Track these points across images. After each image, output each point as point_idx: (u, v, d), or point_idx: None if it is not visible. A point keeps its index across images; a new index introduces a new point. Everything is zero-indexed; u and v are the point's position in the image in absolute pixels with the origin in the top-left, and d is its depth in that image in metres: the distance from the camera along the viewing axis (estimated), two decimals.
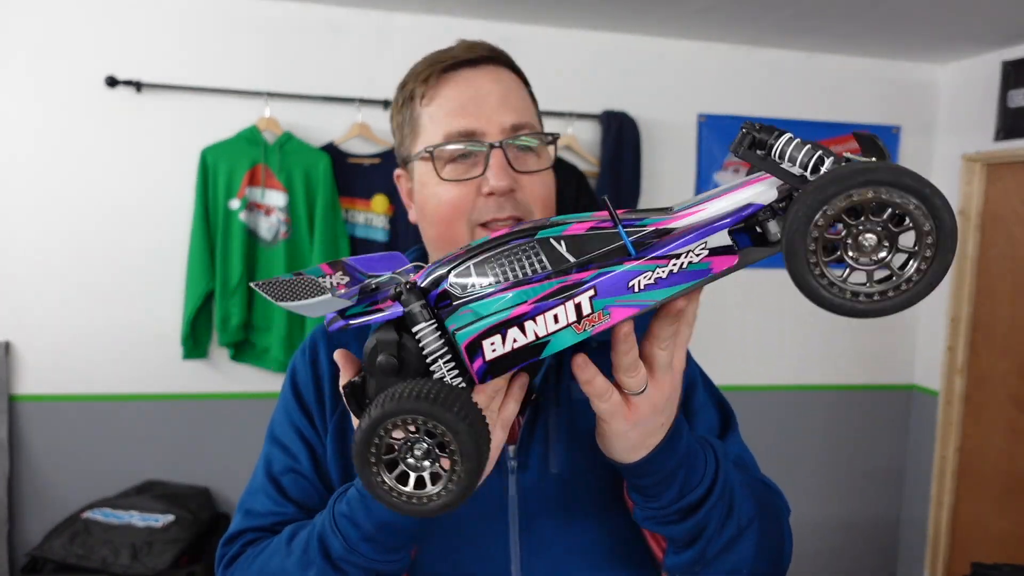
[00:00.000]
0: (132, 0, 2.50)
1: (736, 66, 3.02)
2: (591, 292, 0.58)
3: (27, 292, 2.50)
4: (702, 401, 0.90)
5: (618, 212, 0.61)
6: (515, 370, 0.61)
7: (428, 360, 0.61)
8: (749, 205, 0.57)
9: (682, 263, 0.57)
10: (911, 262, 0.51)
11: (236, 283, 2.53)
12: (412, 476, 0.56)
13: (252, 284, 0.60)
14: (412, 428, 0.55)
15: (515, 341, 0.59)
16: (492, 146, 0.81)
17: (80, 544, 2.27)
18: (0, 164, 2.46)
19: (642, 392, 0.65)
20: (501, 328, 0.59)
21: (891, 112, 3.18)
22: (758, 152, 0.58)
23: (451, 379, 0.61)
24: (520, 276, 0.60)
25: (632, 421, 0.66)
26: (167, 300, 2.59)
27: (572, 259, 0.60)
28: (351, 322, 0.61)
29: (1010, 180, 2.95)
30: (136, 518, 2.37)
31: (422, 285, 0.62)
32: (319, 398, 0.88)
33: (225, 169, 2.52)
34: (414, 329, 0.61)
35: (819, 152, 0.55)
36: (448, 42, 0.89)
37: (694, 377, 0.91)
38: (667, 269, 0.58)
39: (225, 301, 2.54)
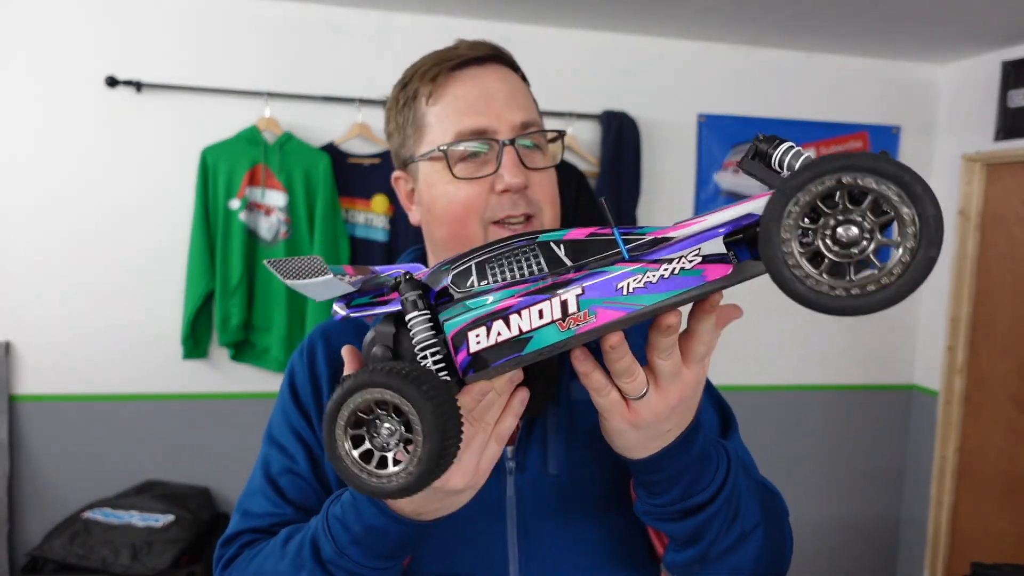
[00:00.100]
0: (132, 0, 2.50)
1: (736, 66, 3.02)
2: (578, 290, 0.58)
3: (27, 292, 2.50)
4: (702, 403, 0.90)
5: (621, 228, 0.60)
6: (497, 364, 0.60)
7: (416, 350, 0.61)
8: (749, 215, 0.56)
9: (674, 268, 0.56)
10: (895, 255, 0.48)
11: (236, 283, 2.53)
12: (376, 456, 0.56)
13: (265, 262, 0.61)
14: (383, 404, 0.55)
15: (499, 334, 0.59)
16: (504, 143, 0.81)
17: (80, 544, 2.27)
18: (0, 164, 2.46)
19: (642, 397, 0.64)
20: (487, 320, 0.59)
21: (891, 112, 3.18)
22: (760, 163, 0.57)
23: (437, 372, 0.61)
24: (517, 277, 0.60)
25: (631, 422, 0.65)
26: (167, 300, 2.59)
27: (569, 263, 0.60)
28: (351, 313, 0.63)
29: (1010, 180, 2.95)
30: (136, 518, 2.37)
31: (423, 280, 0.63)
32: (317, 399, 0.87)
33: (225, 169, 2.52)
34: (406, 318, 0.62)
35: (808, 154, 0.54)
36: (448, 42, 0.89)
37: None
38: (658, 274, 0.56)
39: (225, 301, 2.54)
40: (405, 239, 2.65)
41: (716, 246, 0.56)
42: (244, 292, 2.54)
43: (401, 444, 0.55)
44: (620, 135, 2.80)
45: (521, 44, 2.68)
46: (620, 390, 0.65)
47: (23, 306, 2.51)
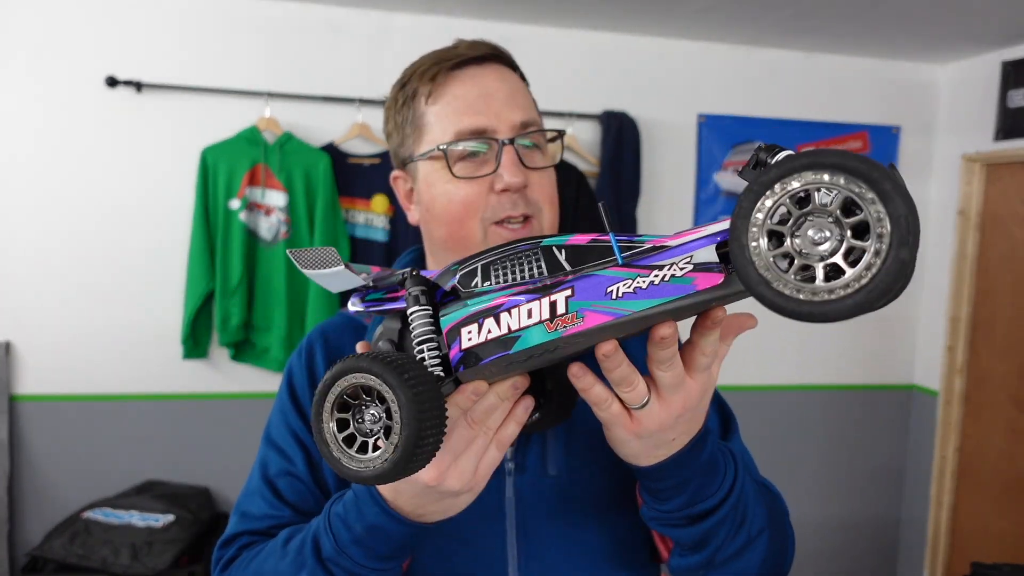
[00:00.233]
0: (132, 0, 2.50)
1: (736, 66, 3.02)
2: (568, 292, 0.58)
3: (27, 292, 2.50)
4: None
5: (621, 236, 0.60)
6: (486, 361, 0.60)
7: (414, 344, 0.63)
8: None
9: (665, 275, 0.55)
10: (863, 257, 0.44)
11: (236, 283, 2.53)
12: (359, 441, 0.57)
13: (288, 252, 0.63)
14: (369, 391, 0.56)
15: (489, 331, 0.60)
16: (504, 143, 0.81)
17: (80, 544, 2.27)
18: (0, 164, 2.46)
19: (644, 407, 0.63)
20: (479, 317, 0.60)
21: (891, 112, 3.18)
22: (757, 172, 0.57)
23: (431, 367, 0.62)
24: (519, 279, 0.61)
25: (634, 432, 0.64)
26: (167, 300, 2.59)
27: (569, 267, 0.60)
28: (360, 309, 0.67)
29: (1010, 180, 2.95)
30: (136, 518, 2.37)
31: (433, 279, 0.65)
32: None
33: (225, 169, 2.52)
34: (408, 311, 0.63)
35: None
36: (448, 42, 0.89)
37: None
38: (648, 280, 0.55)
39: (225, 301, 2.54)
40: (405, 239, 2.65)
41: (710, 255, 0.55)
42: (244, 292, 2.54)
43: (383, 432, 0.56)
44: (620, 135, 2.80)
45: (521, 44, 2.67)
46: (621, 400, 0.63)
47: (23, 306, 2.51)
